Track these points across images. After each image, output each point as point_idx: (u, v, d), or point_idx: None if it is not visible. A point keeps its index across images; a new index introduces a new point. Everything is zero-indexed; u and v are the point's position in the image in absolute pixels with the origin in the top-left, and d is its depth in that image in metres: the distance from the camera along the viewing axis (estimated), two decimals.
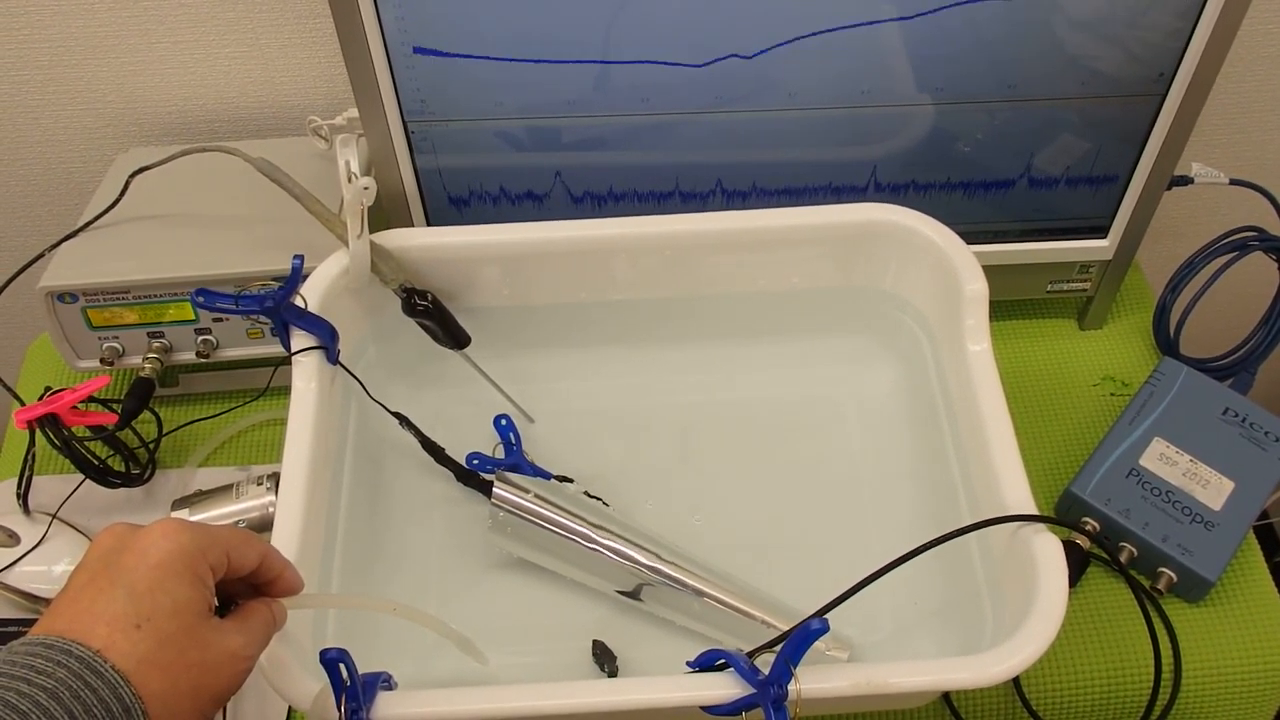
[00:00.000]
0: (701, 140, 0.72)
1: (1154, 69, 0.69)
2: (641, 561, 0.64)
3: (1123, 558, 0.71)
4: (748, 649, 0.62)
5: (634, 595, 0.65)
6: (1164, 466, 0.72)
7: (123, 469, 0.76)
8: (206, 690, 0.43)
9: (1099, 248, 0.80)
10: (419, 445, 0.70)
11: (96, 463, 0.73)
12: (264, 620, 0.48)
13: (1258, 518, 0.71)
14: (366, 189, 0.63)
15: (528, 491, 0.66)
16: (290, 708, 0.67)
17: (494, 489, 0.65)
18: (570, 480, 0.71)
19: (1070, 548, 0.70)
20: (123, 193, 0.78)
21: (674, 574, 0.64)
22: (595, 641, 0.65)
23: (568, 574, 0.67)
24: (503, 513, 0.65)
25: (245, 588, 0.49)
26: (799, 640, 0.48)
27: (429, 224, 0.77)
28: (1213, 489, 0.71)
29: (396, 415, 0.68)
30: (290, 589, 0.50)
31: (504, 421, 0.73)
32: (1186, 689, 0.69)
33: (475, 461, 0.71)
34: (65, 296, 0.74)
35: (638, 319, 0.75)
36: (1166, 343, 0.82)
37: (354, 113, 0.79)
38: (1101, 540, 0.71)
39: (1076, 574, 0.72)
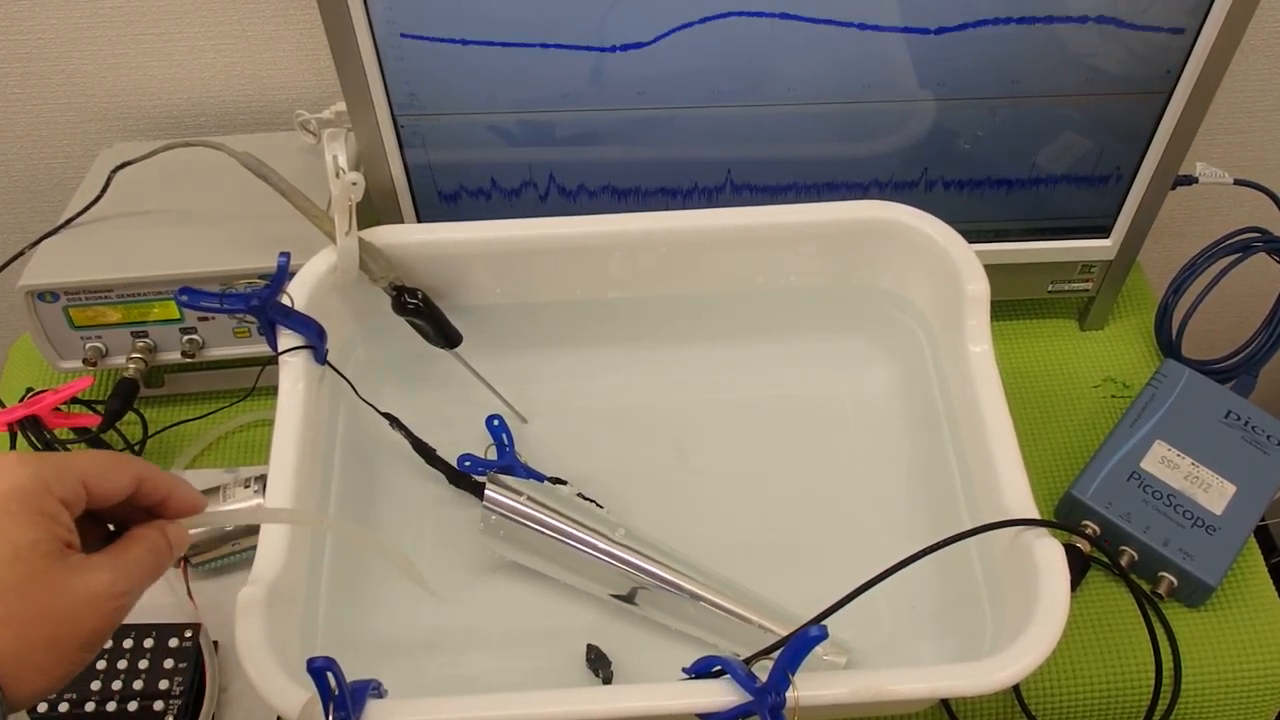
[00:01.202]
0: (699, 135, 0.71)
1: (1160, 66, 0.68)
2: (636, 565, 0.63)
3: (1123, 561, 0.70)
4: (744, 653, 0.61)
5: (629, 599, 0.64)
6: (1165, 469, 0.72)
7: None
8: (68, 639, 0.40)
9: (1101, 247, 0.79)
10: (410, 446, 0.68)
11: None
12: (148, 549, 0.43)
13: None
14: (355, 184, 0.62)
15: (520, 494, 0.65)
16: (278, 717, 0.66)
17: (485, 491, 0.64)
18: (564, 482, 0.70)
19: (1070, 551, 0.69)
20: (105, 189, 0.77)
21: (669, 578, 0.63)
22: (590, 646, 0.64)
23: (561, 578, 0.66)
24: (495, 516, 0.64)
25: (140, 514, 0.45)
26: (797, 647, 0.48)
27: (419, 220, 0.76)
28: (1214, 493, 0.71)
29: (386, 416, 0.67)
30: (185, 508, 0.46)
31: (496, 422, 0.72)
32: (1186, 695, 0.68)
33: (467, 463, 0.70)
34: (46, 295, 0.73)
35: (632, 317, 0.74)
36: (1168, 344, 0.82)
37: (342, 107, 0.78)
38: (1102, 544, 0.71)
39: (1076, 578, 0.71)
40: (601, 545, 0.64)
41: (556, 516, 0.64)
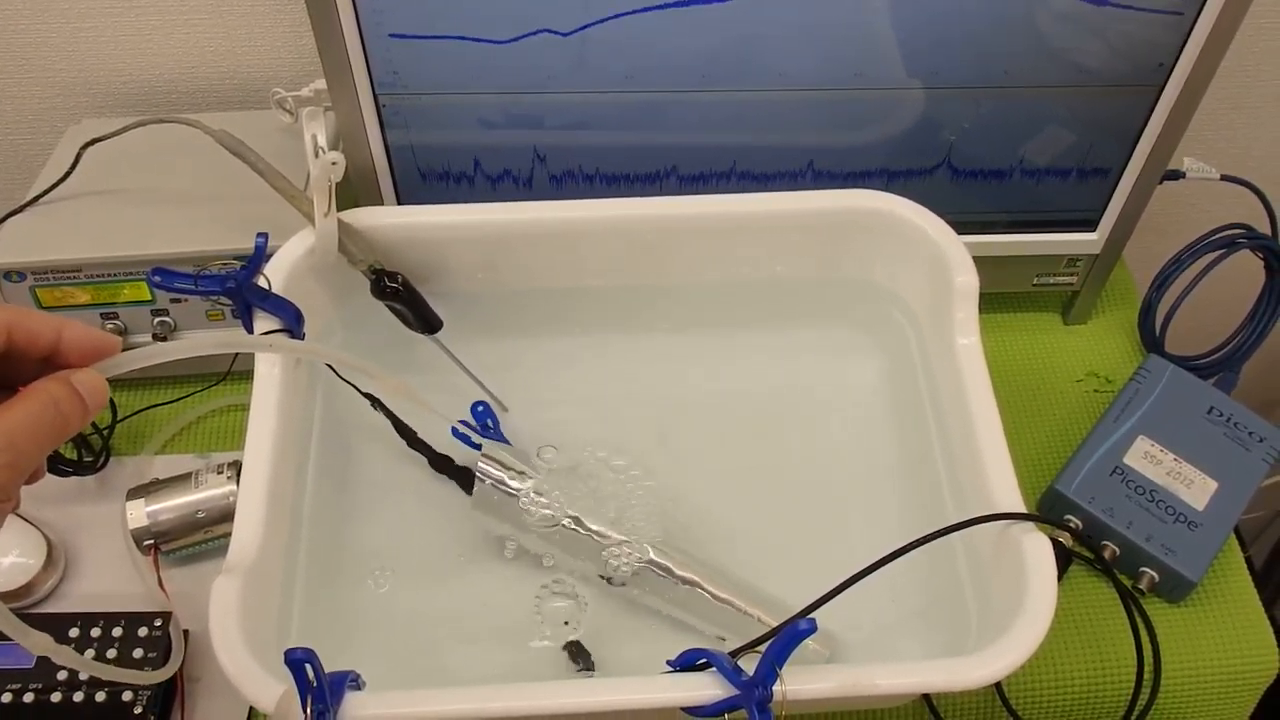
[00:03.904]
0: (687, 121, 0.70)
1: (1153, 59, 0.68)
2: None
3: (1105, 556, 0.70)
4: (730, 637, 0.61)
5: (619, 581, 0.64)
6: (1148, 465, 0.72)
7: (75, 457, 0.73)
8: None
9: (1087, 241, 0.79)
10: (389, 433, 0.67)
11: None
12: (41, 402, 0.39)
13: None
14: (335, 164, 0.61)
15: (512, 469, 0.64)
16: (251, 709, 0.64)
17: (479, 463, 0.63)
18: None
19: (1053, 545, 0.69)
20: (74, 165, 0.75)
21: (663, 562, 0.63)
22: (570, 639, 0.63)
23: (549, 554, 0.65)
24: (488, 483, 0.64)
25: (46, 369, 0.41)
26: (786, 640, 0.47)
27: (399, 203, 0.75)
28: (1196, 489, 0.71)
29: (368, 396, 0.66)
30: (91, 351, 0.42)
31: (481, 408, 0.71)
32: (1166, 689, 0.68)
33: (460, 431, 0.69)
34: (12, 275, 0.71)
35: (617, 306, 0.73)
36: (1152, 340, 0.82)
37: (320, 85, 0.76)
38: (1085, 538, 0.71)
39: (1059, 572, 0.70)
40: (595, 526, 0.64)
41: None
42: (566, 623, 0.64)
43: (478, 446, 0.66)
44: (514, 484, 0.64)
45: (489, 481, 0.64)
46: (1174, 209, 1.03)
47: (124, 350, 0.44)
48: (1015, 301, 0.87)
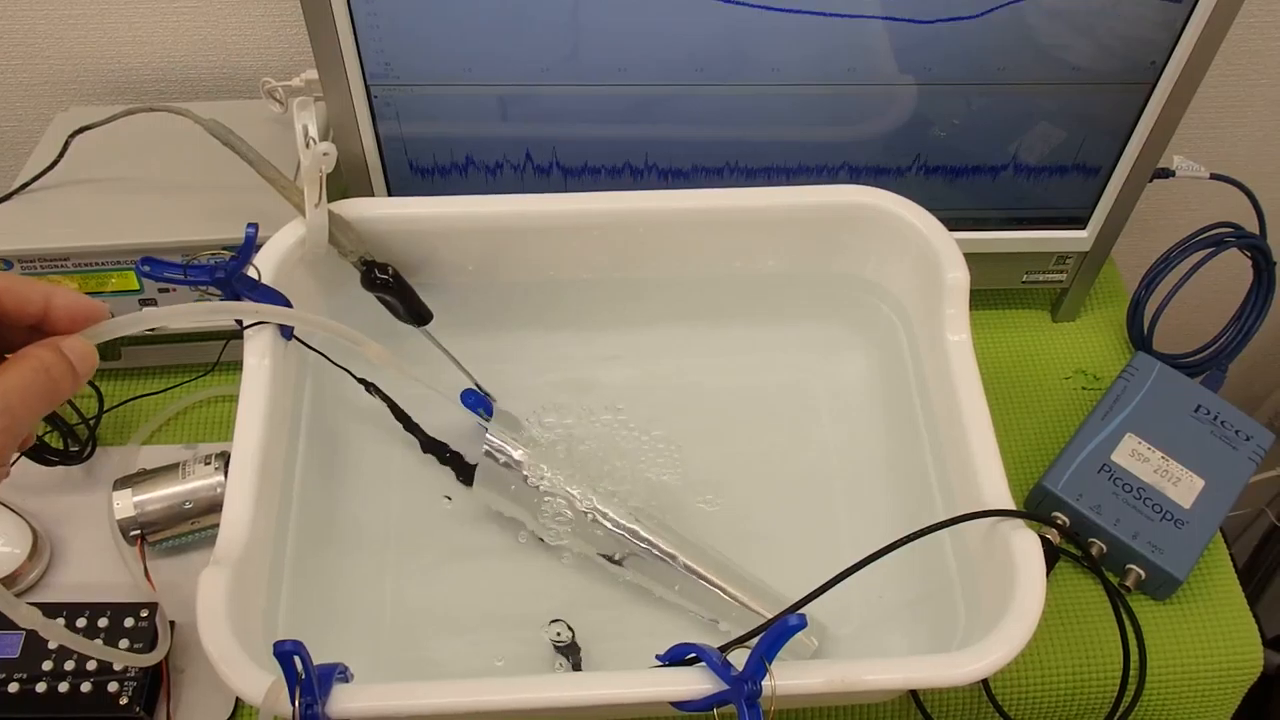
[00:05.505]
0: (680, 114, 0.70)
1: (1146, 56, 0.68)
2: (639, 533, 0.64)
3: (1092, 553, 0.70)
4: (724, 623, 0.62)
5: (617, 561, 0.65)
6: (1136, 463, 0.72)
7: (61, 446, 0.72)
8: None
9: (1077, 239, 0.79)
10: (379, 423, 0.67)
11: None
12: (33, 367, 0.39)
13: None
14: (326, 155, 0.60)
15: (520, 447, 0.65)
16: (237, 701, 0.64)
17: (487, 435, 0.64)
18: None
19: (1041, 543, 0.69)
20: (62, 153, 0.74)
21: (666, 547, 0.64)
22: (559, 632, 0.63)
23: (546, 529, 0.66)
24: (495, 441, 0.64)
25: (33, 336, 0.41)
26: (775, 636, 0.47)
27: (390, 194, 0.74)
28: (1183, 487, 0.71)
29: (363, 382, 0.66)
30: (79, 317, 0.42)
31: (471, 398, 0.71)
32: (1151, 687, 0.69)
33: (470, 399, 0.69)
34: None
35: (606, 300, 0.73)
36: (1140, 338, 0.82)
37: (311, 74, 0.76)
38: (1072, 535, 0.71)
39: (1046, 569, 0.71)
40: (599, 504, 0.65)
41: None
42: (556, 620, 0.64)
43: (487, 413, 0.67)
44: (518, 456, 0.65)
45: (495, 442, 0.65)
46: (1163, 207, 1.04)
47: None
48: (1004, 299, 0.87)
